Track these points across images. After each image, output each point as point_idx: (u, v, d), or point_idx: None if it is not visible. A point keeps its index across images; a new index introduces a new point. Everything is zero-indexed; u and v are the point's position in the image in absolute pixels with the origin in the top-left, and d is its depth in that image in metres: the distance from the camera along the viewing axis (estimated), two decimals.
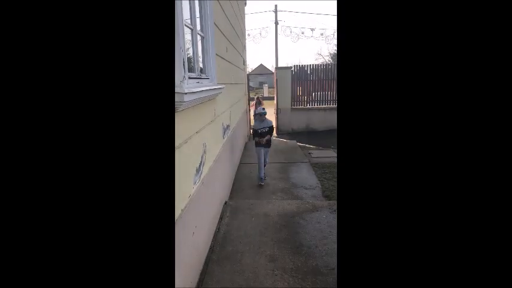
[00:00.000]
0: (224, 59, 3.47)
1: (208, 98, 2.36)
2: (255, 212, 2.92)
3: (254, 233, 2.53)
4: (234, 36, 4.69)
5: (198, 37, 2.27)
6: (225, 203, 3.15)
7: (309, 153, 5.74)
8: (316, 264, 2.09)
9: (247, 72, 8.52)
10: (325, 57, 28.75)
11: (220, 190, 2.97)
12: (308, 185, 3.88)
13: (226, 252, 2.26)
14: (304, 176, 4.29)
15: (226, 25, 3.67)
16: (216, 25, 2.84)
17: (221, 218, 2.79)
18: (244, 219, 2.76)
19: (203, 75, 2.35)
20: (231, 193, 3.62)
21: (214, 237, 2.46)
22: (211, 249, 2.30)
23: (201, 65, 2.42)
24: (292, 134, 8.06)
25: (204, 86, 2.16)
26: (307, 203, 3.11)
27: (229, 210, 2.97)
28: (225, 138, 3.50)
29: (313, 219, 2.73)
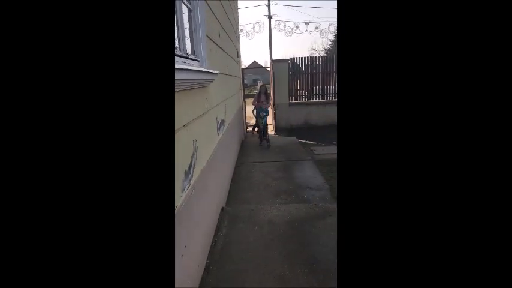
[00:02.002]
0: (217, 44, 3.03)
1: (199, 84, 1.93)
2: (257, 219, 2.50)
3: (258, 246, 2.10)
4: (227, 23, 4.25)
5: (184, 8, 1.83)
6: (222, 209, 2.72)
7: (311, 150, 5.33)
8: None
9: (243, 69, 8.07)
10: (319, 52, 28.44)
11: (216, 195, 2.54)
12: (314, 186, 3.47)
13: (225, 273, 1.84)
14: (309, 175, 3.88)
15: (218, 7, 3.24)
16: (206, 1, 2.41)
17: (217, 229, 2.36)
18: (246, 229, 2.34)
19: (191, 56, 1.92)
20: (228, 197, 3.20)
21: (210, 253, 2.03)
22: (207, 270, 1.87)
23: (188, 44, 1.98)
24: (291, 130, 7.65)
25: (193, 66, 1.73)
26: (317, 207, 2.70)
27: (227, 218, 2.55)
28: (220, 135, 3.07)
29: (326, 227, 2.32)
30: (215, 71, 2.35)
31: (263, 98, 6.04)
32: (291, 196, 3.17)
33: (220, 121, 3.11)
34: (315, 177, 3.78)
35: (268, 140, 5.69)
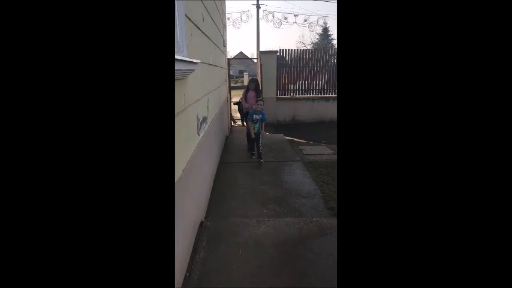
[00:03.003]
0: (199, 29, 2.58)
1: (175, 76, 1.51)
2: (242, 238, 2.12)
3: (243, 276, 1.73)
4: (213, 6, 3.78)
5: None
6: (201, 223, 2.32)
7: (300, 150, 4.99)
8: None
9: (229, 59, 7.58)
10: (307, 46, 28.13)
11: (193, 208, 2.13)
12: (305, 192, 3.12)
13: None
14: (299, 178, 3.53)
15: None
16: None
17: (194, 252, 1.96)
18: (228, 253, 1.96)
19: None
20: (208, 206, 2.80)
21: (183, 286, 1.64)
22: None
23: None
24: (278, 127, 7.29)
25: None
26: (311, 222, 2.35)
27: (207, 236, 2.15)
28: (201, 135, 2.65)
29: (323, 250, 1.97)
30: (195, 60, 1.92)
31: (252, 95, 4.59)
32: (280, 205, 2.81)
33: (201, 119, 2.68)
34: (306, 181, 3.44)
35: (260, 156, 4.11)
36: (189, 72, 1.90)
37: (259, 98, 4.31)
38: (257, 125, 4.19)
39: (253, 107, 4.23)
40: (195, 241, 2.08)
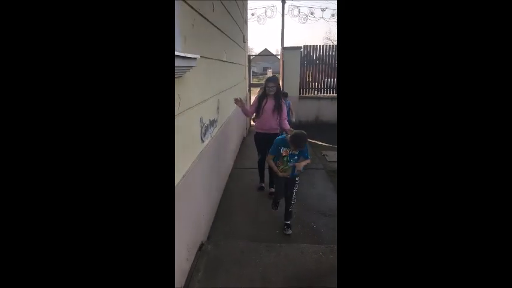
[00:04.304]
0: (207, 19, 2.24)
1: None
2: (246, 270, 1.76)
3: None
4: None
5: None
6: (200, 246, 2.00)
7: (323, 155, 4.55)
8: None
9: (250, 55, 7.23)
10: (334, 42, 27.24)
11: (189, 231, 1.81)
12: (327, 209, 2.71)
13: None
14: (320, 191, 3.12)
15: None
16: None
17: (188, 283, 1.63)
18: None
19: None
20: (213, 221, 2.46)
21: None
22: None
23: None
24: (300, 127, 6.83)
25: None
26: (332, 251, 1.94)
27: (204, 264, 1.82)
28: (207, 141, 2.32)
29: None
30: (192, 56, 1.58)
31: (271, 105, 2.76)
32: (296, 225, 2.42)
33: (207, 123, 2.35)
34: (328, 195, 3.02)
35: (289, 215, 2.33)
36: (185, 69, 1.57)
37: (273, 108, 2.67)
38: (291, 163, 2.28)
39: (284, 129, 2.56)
40: (190, 270, 1.75)
